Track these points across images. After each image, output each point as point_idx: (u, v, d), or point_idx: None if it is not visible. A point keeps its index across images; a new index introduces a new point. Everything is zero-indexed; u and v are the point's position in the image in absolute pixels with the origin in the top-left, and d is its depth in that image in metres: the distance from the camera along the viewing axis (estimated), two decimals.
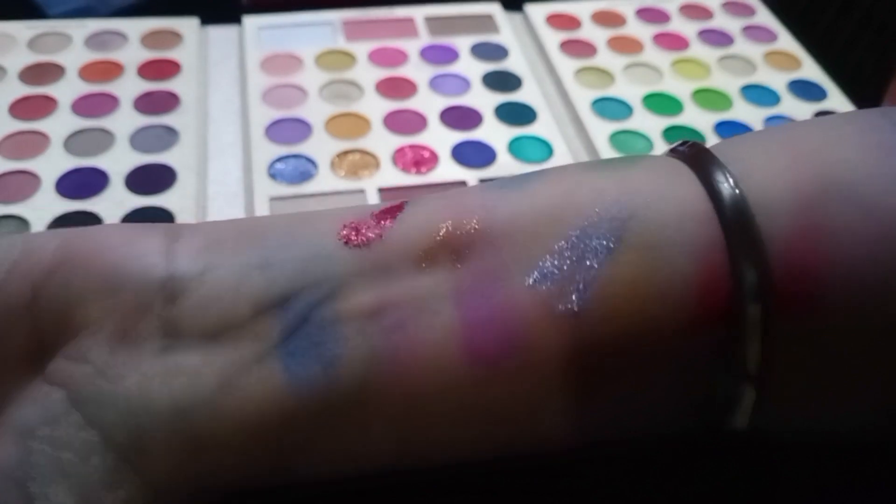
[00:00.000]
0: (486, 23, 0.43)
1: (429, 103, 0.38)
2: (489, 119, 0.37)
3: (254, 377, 0.17)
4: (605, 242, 0.18)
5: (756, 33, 0.44)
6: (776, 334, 0.17)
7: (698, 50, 0.42)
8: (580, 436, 0.19)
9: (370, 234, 0.19)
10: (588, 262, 0.18)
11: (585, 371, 0.18)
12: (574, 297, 0.17)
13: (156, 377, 0.17)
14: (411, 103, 0.38)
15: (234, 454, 0.17)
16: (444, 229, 0.18)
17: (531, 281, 0.18)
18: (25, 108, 0.36)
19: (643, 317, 0.17)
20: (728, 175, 0.18)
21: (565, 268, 0.18)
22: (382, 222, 0.19)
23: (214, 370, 0.17)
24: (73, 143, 0.34)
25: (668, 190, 0.19)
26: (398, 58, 0.40)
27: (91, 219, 0.31)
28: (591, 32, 0.43)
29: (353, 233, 0.19)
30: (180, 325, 0.18)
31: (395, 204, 0.19)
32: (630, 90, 0.39)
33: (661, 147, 0.36)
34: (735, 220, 0.18)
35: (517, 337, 0.17)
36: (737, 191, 0.18)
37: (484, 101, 0.38)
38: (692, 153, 0.20)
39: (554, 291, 0.18)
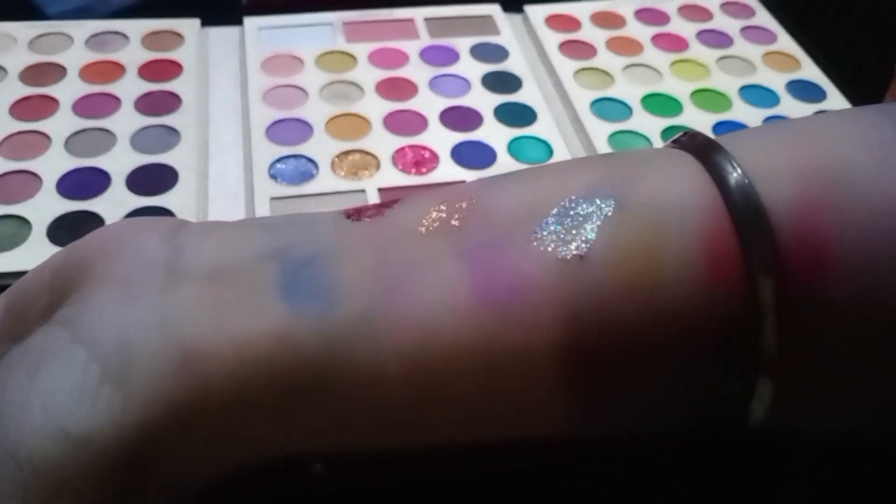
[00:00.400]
0: (486, 24, 0.43)
1: (429, 104, 0.38)
2: (489, 119, 0.37)
3: (251, 303, 0.17)
4: (607, 201, 0.18)
5: (755, 34, 0.44)
6: (784, 325, 0.17)
7: (698, 50, 0.42)
8: (580, 420, 0.18)
9: (369, 213, 0.19)
10: (592, 218, 0.18)
11: (587, 335, 0.17)
12: (578, 245, 0.17)
13: (151, 305, 0.17)
14: (411, 104, 0.38)
15: (223, 369, 0.16)
16: (441, 207, 0.19)
17: (534, 235, 0.18)
18: (26, 108, 0.36)
19: (647, 275, 0.17)
20: (734, 164, 0.18)
21: (567, 222, 0.18)
22: (381, 208, 0.19)
23: (211, 297, 0.17)
24: (74, 143, 0.34)
25: (670, 171, 0.18)
26: (398, 58, 0.40)
27: (91, 219, 0.31)
28: (591, 33, 0.43)
29: (353, 213, 0.19)
30: (181, 269, 0.18)
31: (393, 198, 0.20)
32: (630, 90, 0.39)
33: None
34: (745, 208, 0.17)
35: (525, 284, 0.17)
36: (743, 176, 0.18)
37: (484, 101, 0.38)
38: (695, 143, 0.19)
39: (558, 242, 0.18)
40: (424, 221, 0.19)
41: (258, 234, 0.19)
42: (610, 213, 0.18)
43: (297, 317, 0.17)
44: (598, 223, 0.18)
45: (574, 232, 0.18)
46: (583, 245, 0.17)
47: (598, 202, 0.18)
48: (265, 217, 0.20)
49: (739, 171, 0.18)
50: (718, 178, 0.18)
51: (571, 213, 0.18)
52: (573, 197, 0.18)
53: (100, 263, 0.18)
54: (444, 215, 0.19)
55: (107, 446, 0.16)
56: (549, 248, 0.18)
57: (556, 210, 0.18)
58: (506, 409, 0.18)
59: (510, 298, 0.17)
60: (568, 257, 0.17)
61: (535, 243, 0.18)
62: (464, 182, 0.19)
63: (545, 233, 0.18)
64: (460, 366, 0.17)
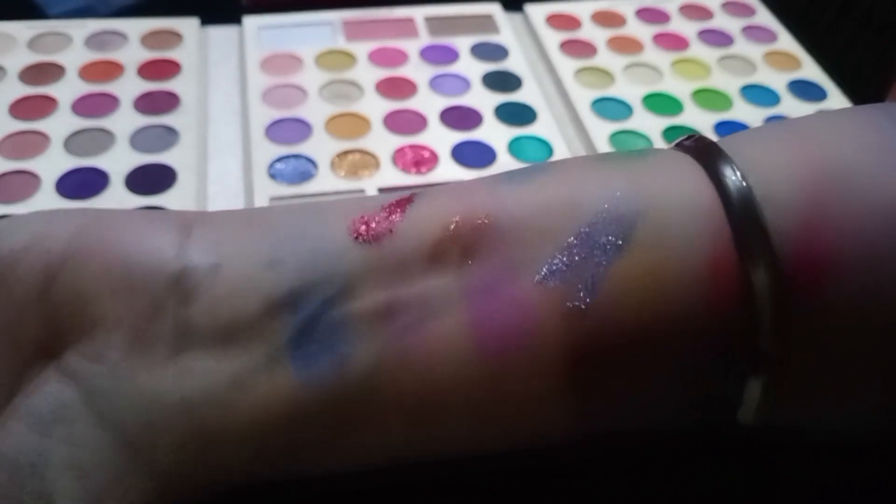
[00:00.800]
0: (486, 23, 0.43)
1: (429, 103, 0.38)
2: (489, 119, 0.37)
3: (264, 377, 0.18)
4: (613, 239, 0.18)
5: (756, 33, 0.44)
6: (783, 327, 0.17)
7: (698, 50, 0.42)
8: (582, 430, 0.19)
9: (380, 229, 0.19)
10: (597, 259, 0.18)
11: (591, 366, 0.18)
12: (583, 294, 0.17)
13: (168, 377, 0.17)
14: (411, 103, 0.38)
15: (244, 451, 0.18)
16: (454, 224, 0.18)
17: (540, 278, 0.18)
18: (25, 108, 0.36)
19: (652, 310, 0.17)
20: (735, 168, 0.18)
21: (574, 265, 0.18)
22: (392, 216, 0.19)
23: (226, 371, 0.18)
24: (74, 143, 0.34)
25: (676, 184, 0.19)
26: (398, 58, 0.40)
27: None
28: (591, 32, 0.43)
29: (364, 227, 0.19)
30: (193, 327, 0.18)
31: (404, 196, 0.19)
32: (630, 90, 0.39)
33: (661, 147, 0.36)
34: (742, 213, 0.18)
35: (527, 333, 0.18)
36: (744, 184, 0.18)
37: (484, 101, 0.38)
38: (699, 147, 0.20)
39: (563, 288, 0.18)
40: (434, 250, 0.18)
41: (267, 276, 0.18)
42: (618, 246, 0.18)
43: (308, 389, 0.18)
44: (607, 257, 0.18)
45: (582, 268, 0.18)
46: (588, 284, 0.18)
47: (609, 235, 0.18)
48: (274, 236, 0.19)
49: (739, 176, 0.18)
50: (721, 187, 0.18)
51: (577, 249, 0.18)
52: (581, 229, 0.18)
53: (107, 296, 0.18)
54: (452, 235, 0.18)
55: None
56: (556, 287, 0.18)
57: (566, 240, 0.18)
58: (506, 416, 0.18)
59: (512, 350, 0.18)
60: (574, 301, 0.18)
61: (541, 281, 0.18)
62: (481, 180, 0.19)
63: (552, 271, 0.18)
64: (463, 410, 0.18)
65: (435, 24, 0.42)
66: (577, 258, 0.18)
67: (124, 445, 0.17)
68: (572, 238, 0.18)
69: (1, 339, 0.18)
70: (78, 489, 0.17)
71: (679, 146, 0.20)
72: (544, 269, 0.18)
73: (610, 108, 0.38)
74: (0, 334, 0.18)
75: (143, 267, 0.18)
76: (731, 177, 0.18)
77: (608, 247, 0.18)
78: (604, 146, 0.36)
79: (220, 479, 0.18)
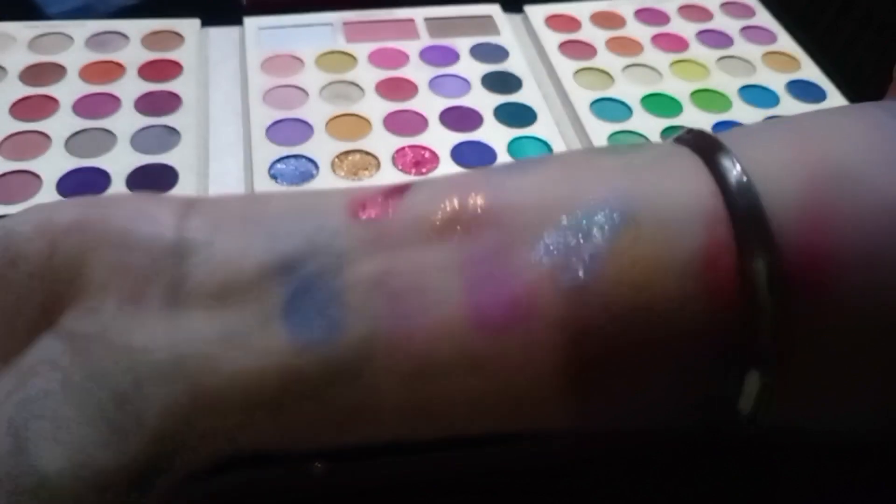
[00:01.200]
0: (486, 24, 0.43)
1: (429, 104, 0.38)
2: (489, 120, 0.37)
3: (256, 336, 0.17)
4: (611, 218, 0.18)
5: (755, 34, 0.44)
6: (784, 326, 0.17)
7: (697, 50, 0.42)
8: (582, 430, 0.19)
9: (377, 210, 0.19)
10: (594, 237, 0.18)
11: (591, 366, 0.18)
12: (579, 270, 0.17)
13: (159, 333, 0.17)
14: (411, 104, 0.38)
15: (233, 411, 0.17)
16: (451, 205, 0.19)
17: (537, 254, 0.18)
18: (26, 108, 0.36)
19: (649, 292, 0.17)
20: (735, 161, 0.18)
21: (571, 242, 0.18)
22: (389, 200, 0.19)
23: (217, 329, 0.17)
24: (74, 143, 0.34)
25: (674, 173, 0.18)
26: (398, 59, 0.40)
27: None
28: (591, 33, 0.43)
29: (360, 208, 0.19)
30: (187, 288, 0.18)
31: (402, 184, 0.20)
32: (629, 91, 0.39)
33: None
34: (743, 207, 0.17)
35: (523, 306, 0.17)
36: (744, 177, 0.18)
37: (484, 101, 0.38)
38: (698, 140, 0.20)
39: (559, 264, 0.18)
40: (430, 228, 0.18)
41: (263, 245, 0.18)
42: (615, 226, 0.18)
43: (301, 349, 0.17)
44: (604, 235, 0.18)
45: (578, 246, 0.18)
46: (585, 260, 0.17)
47: (606, 214, 0.18)
48: (271, 205, 0.20)
49: (740, 169, 0.18)
50: (721, 179, 0.18)
51: (574, 227, 0.18)
52: (578, 211, 0.18)
53: (104, 259, 0.18)
54: (449, 216, 0.18)
55: (117, 483, 0.17)
56: (552, 263, 0.18)
57: (564, 219, 0.18)
58: (505, 413, 0.18)
59: (508, 322, 0.17)
60: (571, 276, 0.17)
61: (538, 258, 0.18)
62: (478, 170, 0.19)
63: (548, 249, 0.18)
64: (459, 386, 0.18)
65: (435, 25, 0.42)
66: (573, 236, 0.18)
67: (110, 398, 0.17)
68: (568, 218, 0.18)
69: (9, 307, 0.19)
70: (53, 439, 0.16)
71: (678, 140, 0.20)
72: (540, 247, 0.18)
73: (609, 108, 0.38)
74: (9, 303, 0.19)
75: (140, 233, 0.18)
76: (731, 169, 0.18)
77: (606, 225, 0.18)
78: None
79: (211, 445, 0.17)
